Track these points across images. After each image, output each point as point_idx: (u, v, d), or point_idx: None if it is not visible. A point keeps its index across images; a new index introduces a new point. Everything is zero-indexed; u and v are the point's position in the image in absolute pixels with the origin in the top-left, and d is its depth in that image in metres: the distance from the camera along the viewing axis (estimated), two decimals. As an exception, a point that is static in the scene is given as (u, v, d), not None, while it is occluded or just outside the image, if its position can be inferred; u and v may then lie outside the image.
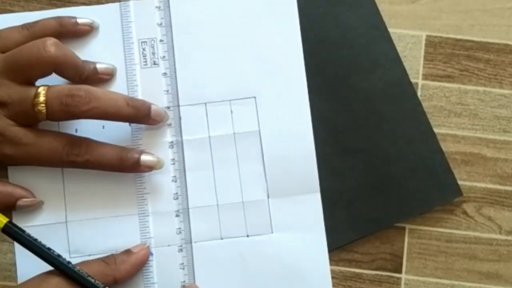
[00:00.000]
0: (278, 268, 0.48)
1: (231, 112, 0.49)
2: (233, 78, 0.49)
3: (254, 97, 0.49)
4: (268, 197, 0.49)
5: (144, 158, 0.47)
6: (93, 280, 0.44)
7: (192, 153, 0.49)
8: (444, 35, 0.51)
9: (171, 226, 0.48)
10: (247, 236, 0.49)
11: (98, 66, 0.49)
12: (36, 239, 0.45)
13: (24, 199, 0.48)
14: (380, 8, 0.50)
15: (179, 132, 0.49)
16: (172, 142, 0.49)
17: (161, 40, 0.50)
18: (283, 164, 0.49)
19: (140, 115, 0.47)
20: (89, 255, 0.48)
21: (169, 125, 0.49)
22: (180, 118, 0.49)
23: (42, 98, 0.44)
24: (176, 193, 0.49)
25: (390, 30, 0.50)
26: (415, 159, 0.49)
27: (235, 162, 0.49)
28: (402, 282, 0.49)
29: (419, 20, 0.50)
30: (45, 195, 0.49)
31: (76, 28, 0.49)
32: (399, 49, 0.50)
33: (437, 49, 0.51)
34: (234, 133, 0.49)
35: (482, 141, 0.50)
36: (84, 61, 0.48)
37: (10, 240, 0.49)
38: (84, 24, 0.49)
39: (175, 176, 0.49)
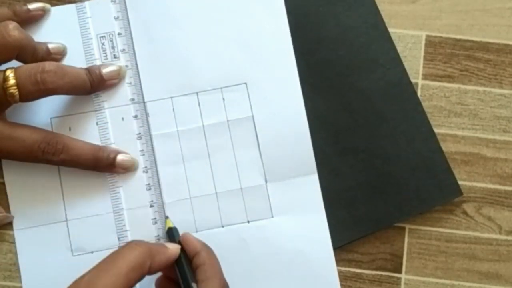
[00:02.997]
0: (281, 251, 0.49)
1: (223, 99, 0.49)
2: (223, 66, 0.50)
3: (245, 83, 0.49)
4: (266, 182, 0.49)
5: (120, 158, 0.48)
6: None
7: (187, 143, 0.49)
8: (444, 35, 0.51)
9: (162, 219, 0.49)
10: (248, 222, 0.49)
11: (50, 46, 0.48)
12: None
13: None
14: (380, 8, 0.50)
15: (146, 123, 0.49)
16: (139, 134, 0.49)
17: (119, 34, 0.50)
18: (279, 148, 0.49)
19: (95, 83, 0.48)
20: (92, 252, 0.48)
21: (136, 117, 0.49)
22: (145, 108, 0.49)
23: (12, 81, 0.44)
24: (175, 184, 0.49)
25: (390, 30, 0.50)
26: (415, 158, 0.49)
27: (230, 149, 0.49)
28: (402, 282, 0.49)
29: (419, 20, 0.50)
30: (43, 194, 0.49)
31: (29, 15, 0.49)
32: (399, 49, 0.50)
33: (437, 49, 0.51)
34: (227, 120, 0.49)
35: (482, 141, 0.50)
36: (37, 43, 0.48)
37: (10, 240, 0.49)
38: (36, 10, 0.49)
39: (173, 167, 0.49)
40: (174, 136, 0.49)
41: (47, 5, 0.49)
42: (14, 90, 0.44)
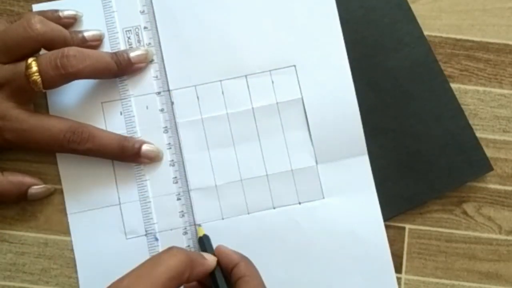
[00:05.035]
0: (333, 232, 0.49)
1: (272, 82, 0.50)
2: (271, 49, 0.50)
3: (294, 66, 0.50)
4: (316, 163, 0.49)
5: (145, 148, 0.48)
6: None
7: (237, 125, 0.49)
8: (444, 35, 0.51)
9: (215, 202, 0.49)
10: (299, 203, 0.49)
11: (86, 34, 0.49)
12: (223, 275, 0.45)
13: (35, 187, 0.48)
14: (380, 8, 0.51)
15: (172, 116, 0.49)
16: (166, 127, 0.49)
17: (145, 27, 0.50)
18: (329, 129, 0.49)
19: (123, 65, 0.48)
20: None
21: (162, 110, 0.49)
22: (172, 103, 0.49)
23: (34, 68, 0.45)
24: (225, 167, 0.49)
25: (390, 30, 0.51)
26: (444, 135, 0.49)
27: (280, 131, 0.49)
28: (402, 282, 0.49)
29: (419, 20, 0.50)
30: (96, 178, 0.49)
31: (60, 22, 0.48)
32: (399, 49, 0.51)
33: (437, 49, 0.51)
34: (277, 103, 0.49)
35: (482, 141, 0.50)
36: (71, 32, 0.48)
37: (10, 240, 0.49)
38: (67, 17, 0.49)
39: (221, 149, 0.49)
40: (224, 119, 0.49)
41: (80, 13, 0.49)
42: (36, 77, 0.45)
